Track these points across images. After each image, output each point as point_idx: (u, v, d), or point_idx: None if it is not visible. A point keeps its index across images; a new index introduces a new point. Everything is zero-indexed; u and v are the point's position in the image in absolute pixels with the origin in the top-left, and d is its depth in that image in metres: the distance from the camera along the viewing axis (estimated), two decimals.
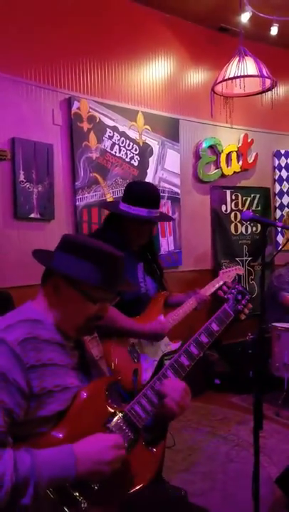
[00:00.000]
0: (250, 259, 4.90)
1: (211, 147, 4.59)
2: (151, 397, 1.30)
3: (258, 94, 3.48)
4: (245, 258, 4.87)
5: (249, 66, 3.20)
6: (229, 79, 3.22)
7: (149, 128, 4.13)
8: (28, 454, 1.05)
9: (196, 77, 4.53)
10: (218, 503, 2.41)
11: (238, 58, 3.25)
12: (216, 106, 3.54)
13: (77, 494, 1.11)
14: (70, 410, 1.16)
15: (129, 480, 1.21)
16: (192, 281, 4.33)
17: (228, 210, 4.79)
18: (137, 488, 1.23)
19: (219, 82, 3.36)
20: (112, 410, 1.25)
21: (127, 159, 3.99)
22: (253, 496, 1.86)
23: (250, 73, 3.19)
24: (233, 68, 3.20)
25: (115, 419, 1.24)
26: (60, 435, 1.13)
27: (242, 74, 3.16)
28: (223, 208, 4.75)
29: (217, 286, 2.32)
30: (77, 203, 3.66)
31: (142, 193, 2.13)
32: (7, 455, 1.03)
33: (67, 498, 1.09)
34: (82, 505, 1.10)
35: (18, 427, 1.09)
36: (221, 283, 2.34)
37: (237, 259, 4.80)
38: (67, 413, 1.16)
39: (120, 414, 1.25)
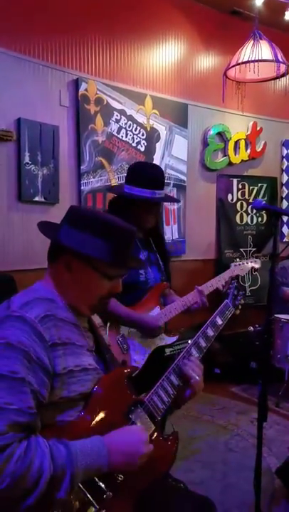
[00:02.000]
0: (254, 249, 4.85)
1: (220, 134, 4.51)
2: (171, 383, 1.30)
3: (271, 80, 3.39)
4: (249, 249, 4.82)
5: (264, 50, 3.10)
6: (243, 63, 3.13)
7: (157, 112, 4.05)
8: (61, 443, 1.02)
9: (207, 61, 4.43)
10: (217, 493, 2.40)
11: (252, 42, 3.15)
12: (226, 91, 3.46)
13: (103, 485, 1.08)
14: (93, 397, 1.14)
15: (149, 472, 1.20)
16: (195, 271, 4.30)
17: (234, 200, 4.72)
18: (154, 480, 1.22)
19: (232, 66, 3.26)
20: (133, 400, 1.23)
21: (134, 144, 3.92)
22: (255, 486, 1.85)
23: (264, 57, 3.09)
24: (247, 52, 3.10)
25: (137, 409, 1.22)
26: (86, 423, 1.11)
27: (256, 58, 3.06)
28: (230, 197, 4.69)
29: (228, 279, 2.24)
30: (82, 188, 3.61)
31: (146, 173, 2.07)
32: (42, 442, 0.99)
33: (93, 488, 1.07)
34: (107, 495, 1.08)
35: (43, 411, 1.05)
36: (234, 275, 2.28)
37: (241, 249, 4.75)
38: (91, 399, 1.13)
39: (140, 405, 1.24)
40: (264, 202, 1.97)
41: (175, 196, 4.20)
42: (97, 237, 1.17)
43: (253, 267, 2.47)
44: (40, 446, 0.98)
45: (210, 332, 1.46)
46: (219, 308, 1.56)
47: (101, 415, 1.14)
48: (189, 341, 1.44)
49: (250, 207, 4.75)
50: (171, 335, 2.19)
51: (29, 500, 0.94)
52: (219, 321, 1.50)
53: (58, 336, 1.09)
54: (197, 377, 1.31)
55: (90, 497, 1.04)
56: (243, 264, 2.44)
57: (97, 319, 1.41)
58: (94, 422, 1.12)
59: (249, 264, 2.46)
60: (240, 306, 1.67)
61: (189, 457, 2.78)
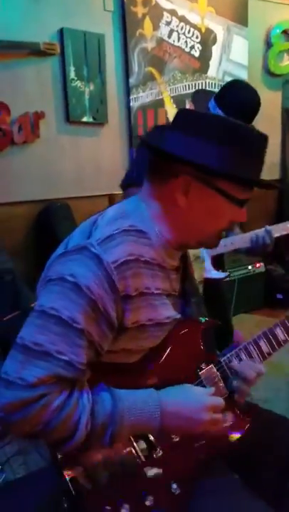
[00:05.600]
0: None
1: (286, 32, 3.96)
2: (259, 348, 1.12)
3: None
4: None
5: None
6: None
7: (212, 10, 3.59)
8: (109, 396, 0.93)
9: None
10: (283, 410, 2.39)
11: None
12: None
13: (154, 439, 1.00)
14: (161, 345, 1.02)
15: (211, 443, 1.06)
16: (255, 194, 4.01)
17: None
18: (217, 452, 1.08)
19: None
20: (206, 357, 1.08)
21: (187, 49, 3.53)
22: None
23: None
24: None
25: (210, 368, 1.07)
26: (147, 369, 1.01)
27: None
28: None
29: None
30: (131, 104, 3.34)
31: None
32: (85, 398, 0.92)
33: (141, 438, 0.99)
34: (156, 452, 1.00)
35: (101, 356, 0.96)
36: None
37: None
38: (157, 347, 1.02)
39: (214, 364, 1.08)
40: None
41: None
42: (224, 146, 0.92)
43: None
44: (81, 401, 0.91)
45: None
46: None
47: (166, 364, 1.03)
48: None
49: None
50: (219, 269, 1.99)
51: (66, 446, 0.91)
52: None
53: (134, 287, 0.94)
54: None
55: (137, 449, 0.98)
56: None
57: (193, 250, 1.21)
58: (156, 371, 1.02)
59: None
60: None
61: None
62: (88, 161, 3.17)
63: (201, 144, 0.93)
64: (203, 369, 1.07)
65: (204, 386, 1.06)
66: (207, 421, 0.98)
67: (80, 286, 0.89)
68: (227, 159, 0.92)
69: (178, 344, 1.04)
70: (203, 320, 1.11)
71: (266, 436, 1.17)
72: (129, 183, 1.68)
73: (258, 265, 3.71)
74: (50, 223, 2.91)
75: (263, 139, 0.97)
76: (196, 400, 0.99)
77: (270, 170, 4.24)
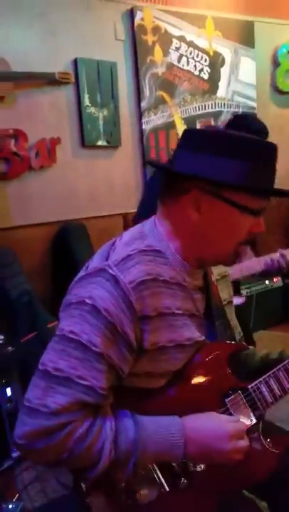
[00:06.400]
0: None
1: None
2: (282, 380, 1.06)
3: None
4: None
5: None
6: None
7: (220, 34, 3.69)
8: (132, 424, 0.91)
9: None
10: None
11: None
12: None
13: (177, 468, 0.96)
14: (185, 370, 0.98)
15: (237, 476, 1.00)
16: (269, 208, 4.03)
17: None
18: (243, 486, 1.04)
19: None
20: (233, 383, 1.03)
21: (196, 72, 3.64)
22: None
23: None
24: None
25: (237, 395, 1.02)
26: (171, 395, 0.97)
27: None
28: None
29: None
30: (143, 127, 3.45)
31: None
32: (108, 425, 0.90)
33: (166, 466, 0.95)
34: (181, 481, 0.95)
35: (122, 380, 0.95)
36: None
37: None
38: (181, 373, 0.98)
39: (241, 391, 1.03)
40: None
41: None
42: (233, 158, 0.91)
43: None
44: (104, 429, 0.89)
45: None
46: None
47: (190, 390, 0.98)
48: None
49: None
50: (236, 295, 2.03)
51: (89, 474, 0.90)
52: None
53: (153, 307, 0.92)
54: None
55: (160, 478, 0.94)
56: None
57: (219, 268, 1.17)
58: (180, 397, 0.98)
59: None
60: None
61: None
62: (103, 182, 3.26)
63: (210, 159, 0.93)
64: (230, 396, 1.01)
65: (230, 414, 1.01)
66: (230, 450, 0.95)
67: (98, 308, 0.89)
68: (238, 172, 0.92)
69: (203, 369, 1.00)
70: (230, 343, 1.07)
71: None
72: (141, 216, 1.74)
73: (275, 280, 3.69)
74: (66, 243, 2.97)
75: (272, 148, 0.96)
76: (219, 428, 0.96)
77: (283, 184, 4.26)
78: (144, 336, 0.92)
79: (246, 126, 1.91)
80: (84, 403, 0.87)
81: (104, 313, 0.89)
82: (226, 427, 0.96)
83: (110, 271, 0.92)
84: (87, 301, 0.90)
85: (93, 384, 0.87)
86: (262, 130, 1.91)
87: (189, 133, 1.03)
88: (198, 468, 0.98)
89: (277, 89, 4.08)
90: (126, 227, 2.82)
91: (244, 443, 0.97)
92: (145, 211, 1.66)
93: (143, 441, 0.90)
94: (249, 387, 1.04)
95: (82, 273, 1.00)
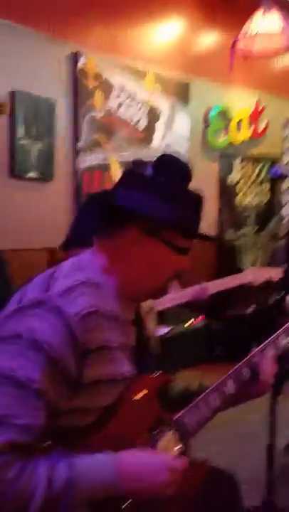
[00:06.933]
0: (257, 228, 4.80)
1: (222, 113, 4.38)
2: (203, 409, 1.10)
3: (281, 54, 3.23)
4: (251, 227, 4.77)
5: (275, 21, 2.92)
6: (251, 36, 2.97)
7: (159, 87, 3.92)
8: (65, 463, 0.87)
9: (210, 35, 4.27)
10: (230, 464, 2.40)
11: (262, 11, 2.97)
12: (229, 66, 3.31)
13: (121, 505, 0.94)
14: (115, 407, 0.97)
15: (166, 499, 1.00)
16: (194, 251, 4.19)
17: (236, 179, 4.63)
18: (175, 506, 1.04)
19: (241, 38, 3.09)
20: (160, 416, 1.04)
21: (134, 122, 3.80)
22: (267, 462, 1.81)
23: (275, 29, 2.92)
24: (257, 23, 2.93)
25: (165, 427, 1.03)
26: (101, 432, 0.95)
27: (266, 29, 2.90)
28: (231, 176, 4.59)
29: (243, 282, 2.10)
30: (79, 165, 3.50)
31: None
32: (40, 466, 0.85)
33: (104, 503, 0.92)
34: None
35: (56, 418, 0.91)
36: (248, 280, 2.15)
37: (242, 229, 4.69)
38: (111, 409, 0.97)
39: (168, 423, 1.04)
40: (281, 170, 1.88)
41: None
42: (170, 202, 0.99)
43: (270, 278, 2.20)
44: (37, 469, 0.85)
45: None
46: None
47: (120, 427, 0.97)
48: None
49: (251, 187, 4.71)
50: (161, 326, 2.07)
51: None
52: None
53: (96, 340, 0.91)
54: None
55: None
56: (259, 271, 2.27)
57: (146, 301, 1.22)
58: (111, 433, 0.96)
59: (266, 274, 2.24)
60: None
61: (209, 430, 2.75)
62: (32, 215, 3.22)
63: (150, 199, 0.98)
64: (157, 429, 1.03)
65: (159, 446, 1.02)
66: (165, 483, 0.94)
67: (39, 342, 0.85)
68: (174, 212, 0.99)
69: (133, 404, 1.00)
70: (157, 377, 1.08)
71: (212, 493, 1.15)
72: (70, 245, 1.75)
73: (194, 321, 3.74)
74: None
75: (199, 197, 1.08)
76: (155, 461, 0.95)
77: (207, 230, 4.46)
78: (84, 371, 0.90)
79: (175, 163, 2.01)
80: (17, 444, 0.83)
81: (45, 347, 0.85)
82: (161, 458, 0.97)
83: (53, 303, 0.89)
84: (26, 335, 0.86)
85: (29, 423, 0.84)
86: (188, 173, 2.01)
87: (129, 172, 1.09)
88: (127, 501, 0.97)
89: (206, 146, 4.36)
90: (51, 263, 2.77)
91: (178, 476, 0.96)
92: (74, 241, 1.67)
93: (75, 479, 0.86)
94: (175, 418, 1.06)
95: (13, 306, 0.95)
